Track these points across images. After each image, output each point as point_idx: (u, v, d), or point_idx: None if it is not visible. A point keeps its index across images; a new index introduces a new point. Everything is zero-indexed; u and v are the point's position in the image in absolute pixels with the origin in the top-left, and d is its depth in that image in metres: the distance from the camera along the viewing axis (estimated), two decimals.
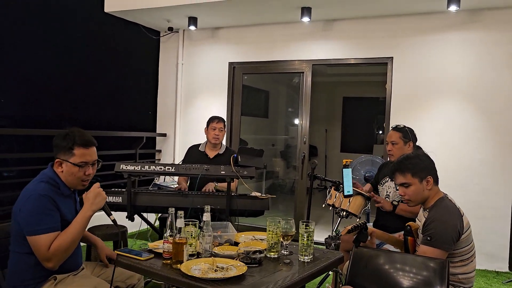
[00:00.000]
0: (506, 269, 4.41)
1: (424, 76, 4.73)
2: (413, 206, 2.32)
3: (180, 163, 3.81)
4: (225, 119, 5.72)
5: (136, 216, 3.35)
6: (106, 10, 5.23)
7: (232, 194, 3.36)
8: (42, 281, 2.07)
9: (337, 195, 3.07)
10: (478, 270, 4.43)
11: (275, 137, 9.31)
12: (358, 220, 2.99)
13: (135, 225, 3.89)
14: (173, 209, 2.01)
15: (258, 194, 3.39)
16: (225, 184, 3.36)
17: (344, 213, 2.99)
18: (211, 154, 3.95)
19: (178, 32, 5.97)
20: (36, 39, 4.96)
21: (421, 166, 2.22)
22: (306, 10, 4.71)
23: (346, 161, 2.58)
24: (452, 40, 4.61)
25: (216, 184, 3.78)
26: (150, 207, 3.38)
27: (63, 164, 2.12)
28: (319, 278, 3.28)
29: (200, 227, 2.13)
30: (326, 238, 2.53)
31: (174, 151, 5.99)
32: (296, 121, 6.44)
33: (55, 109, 5.66)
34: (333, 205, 3.09)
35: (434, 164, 2.28)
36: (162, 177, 5.41)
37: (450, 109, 4.64)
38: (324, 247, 2.39)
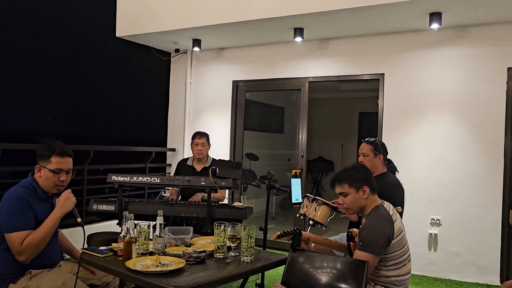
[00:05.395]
0: (498, 283, 4.39)
1: (415, 91, 4.85)
2: (352, 214, 2.49)
3: (167, 175, 4.11)
4: (229, 134, 6.06)
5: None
6: (117, 35, 5.69)
7: (214, 203, 3.61)
8: (19, 275, 2.39)
9: (307, 205, 3.27)
10: (469, 284, 4.44)
11: (291, 152, 9.51)
12: (324, 228, 3.18)
13: None
14: (127, 212, 2.29)
15: (239, 204, 3.64)
16: (213, 194, 3.61)
17: (311, 222, 3.17)
18: (198, 167, 4.23)
19: (186, 53, 6.36)
20: (68, 66, 5.53)
21: (356, 177, 2.40)
22: (298, 31, 4.96)
23: (295, 172, 2.79)
24: (440, 56, 4.72)
25: (203, 194, 4.05)
26: (139, 215, 3.70)
27: (41, 170, 2.47)
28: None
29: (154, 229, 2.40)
30: (291, 244, 2.74)
31: None
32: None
33: (84, 128, 6.17)
34: (304, 215, 3.28)
35: (370, 175, 2.45)
36: (169, 189, 5.73)
37: (440, 123, 4.72)
38: None
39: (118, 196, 3.62)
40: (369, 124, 9.78)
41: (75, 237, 2.94)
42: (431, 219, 4.69)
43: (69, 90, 5.71)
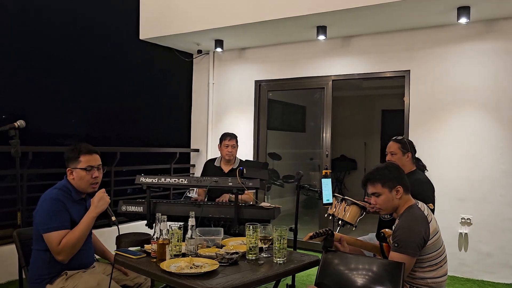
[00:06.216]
0: None
1: (442, 88, 4.75)
2: (385, 214, 2.44)
3: (192, 175, 4.12)
4: (252, 134, 6.05)
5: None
6: (141, 37, 5.75)
7: (241, 204, 3.60)
8: (56, 276, 2.43)
9: (336, 205, 3.23)
10: (502, 285, 4.33)
11: (314, 151, 9.45)
12: (354, 228, 3.14)
13: None
14: (159, 214, 2.30)
15: (266, 204, 3.62)
16: (240, 196, 3.60)
17: (340, 222, 3.13)
18: (226, 168, 4.23)
19: (208, 54, 6.38)
20: (92, 70, 5.63)
21: (389, 176, 2.35)
22: (321, 29, 4.92)
23: (326, 172, 2.75)
24: (468, 51, 4.61)
25: (231, 196, 4.05)
26: (167, 216, 3.71)
27: (73, 172, 2.51)
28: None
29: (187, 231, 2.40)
30: (323, 245, 2.71)
31: None
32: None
33: (108, 129, 6.26)
34: (332, 215, 3.25)
35: (404, 174, 2.40)
36: (194, 190, 5.76)
37: (469, 120, 4.61)
38: None
39: (147, 197, 3.64)
40: (393, 122, 9.65)
41: (104, 238, 2.98)
42: (461, 218, 4.59)
43: (94, 93, 5.82)
